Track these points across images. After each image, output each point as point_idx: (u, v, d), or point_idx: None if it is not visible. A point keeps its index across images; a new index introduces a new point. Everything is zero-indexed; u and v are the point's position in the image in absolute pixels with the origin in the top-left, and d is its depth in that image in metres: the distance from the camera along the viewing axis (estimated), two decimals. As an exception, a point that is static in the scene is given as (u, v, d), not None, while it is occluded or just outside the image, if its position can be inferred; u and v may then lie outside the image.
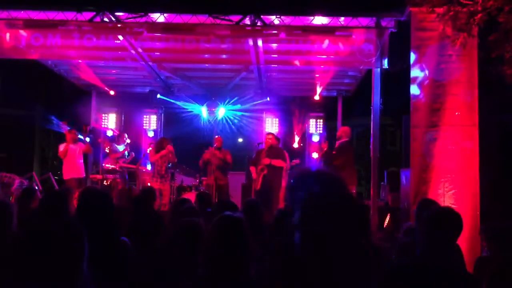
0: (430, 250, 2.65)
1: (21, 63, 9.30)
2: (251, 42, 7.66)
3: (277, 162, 8.85)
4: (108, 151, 10.00)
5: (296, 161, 9.61)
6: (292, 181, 2.14)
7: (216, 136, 10.07)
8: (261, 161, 8.89)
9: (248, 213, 4.12)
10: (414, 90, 6.69)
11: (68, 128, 9.66)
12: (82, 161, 9.43)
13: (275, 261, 2.19)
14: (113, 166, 9.79)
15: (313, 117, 11.70)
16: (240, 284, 2.30)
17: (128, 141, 10.43)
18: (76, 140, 9.42)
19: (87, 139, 10.01)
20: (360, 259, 1.98)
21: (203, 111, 11.52)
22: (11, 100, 16.05)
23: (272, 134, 9.49)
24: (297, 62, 8.07)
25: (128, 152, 10.37)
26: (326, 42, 7.45)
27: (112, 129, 11.40)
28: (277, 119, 11.87)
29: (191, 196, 8.37)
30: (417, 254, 2.75)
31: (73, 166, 9.22)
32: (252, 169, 9.24)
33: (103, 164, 9.84)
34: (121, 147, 10.23)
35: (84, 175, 9.53)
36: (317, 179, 2.11)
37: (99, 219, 3.09)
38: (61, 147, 9.33)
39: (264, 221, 4.71)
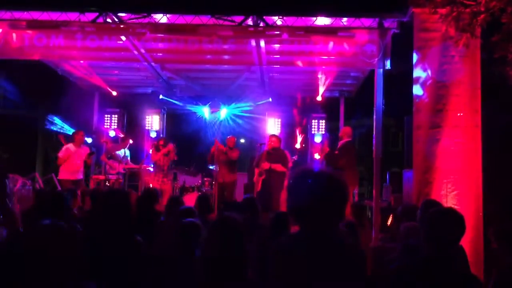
0: (433, 251, 2.64)
1: (24, 64, 9.31)
2: (253, 43, 7.65)
3: (277, 167, 8.74)
4: (106, 155, 10.04)
5: (295, 157, 9.58)
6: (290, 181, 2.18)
7: (228, 136, 10.15)
8: (261, 165, 8.84)
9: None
10: (417, 91, 6.68)
11: (76, 130, 9.64)
12: (81, 163, 9.22)
13: (274, 261, 2.20)
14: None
15: (315, 118, 11.70)
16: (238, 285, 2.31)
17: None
18: (82, 143, 9.36)
19: (90, 139, 10.01)
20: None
21: (205, 112, 11.53)
22: (14, 101, 16.11)
23: (276, 136, 9.40)
24: (299, 63, 8.05)
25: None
26: (329, 43, 7.44)
27: (116, 132, 11.40)
28: (279, 120, 11.86)
29: (193, 196, 8.38)
30: (420, 255, 2.75)
31: (70, 168, 9.04)
32: (257, 171, 9.21)
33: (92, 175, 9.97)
34: (121, 152, 10.25)
35: (82, 178, 9.35)
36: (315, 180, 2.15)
37: (118, 218, 3.11)
38: (62, 152, 9.10)
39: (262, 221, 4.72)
